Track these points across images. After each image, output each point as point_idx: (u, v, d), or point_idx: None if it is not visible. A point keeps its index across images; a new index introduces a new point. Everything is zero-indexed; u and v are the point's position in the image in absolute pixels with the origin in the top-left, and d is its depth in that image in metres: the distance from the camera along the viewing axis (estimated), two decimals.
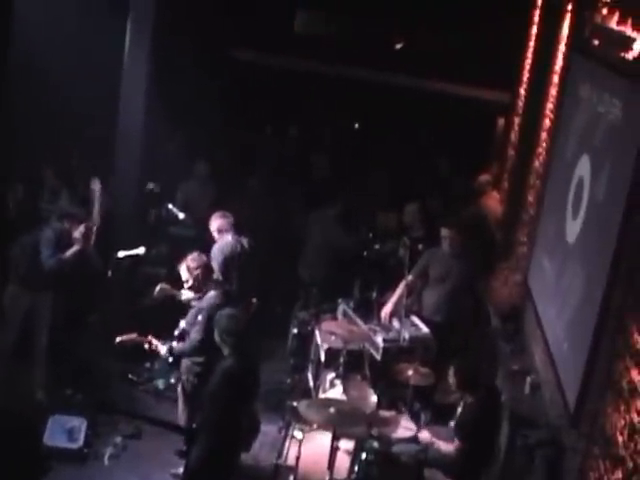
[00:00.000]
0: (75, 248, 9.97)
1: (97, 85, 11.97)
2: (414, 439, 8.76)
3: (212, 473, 7.75)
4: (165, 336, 8.98)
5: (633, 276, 6.45)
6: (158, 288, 9.78)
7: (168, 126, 12.88)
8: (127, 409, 8.50)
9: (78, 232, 10.03)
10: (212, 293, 9.05)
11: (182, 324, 9.09)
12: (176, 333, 9.08)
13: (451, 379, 8.56)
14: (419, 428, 8.84)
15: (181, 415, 9.25)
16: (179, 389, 9.31)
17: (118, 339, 8.84)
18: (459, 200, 14.68)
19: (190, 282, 9.12)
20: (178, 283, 9.70)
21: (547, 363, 9.03)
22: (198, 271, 9.06)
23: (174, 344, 8.90)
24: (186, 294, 9.75)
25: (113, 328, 10.53)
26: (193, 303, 9.20)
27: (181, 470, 8.32)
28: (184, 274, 9.14)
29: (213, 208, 10.68)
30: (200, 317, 8.79)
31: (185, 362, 8.98)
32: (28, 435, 9.03)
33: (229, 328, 7.79)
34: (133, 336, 8.80)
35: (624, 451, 5.87)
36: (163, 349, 8.77)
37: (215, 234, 10.45)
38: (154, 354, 8.98)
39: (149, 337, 8.81)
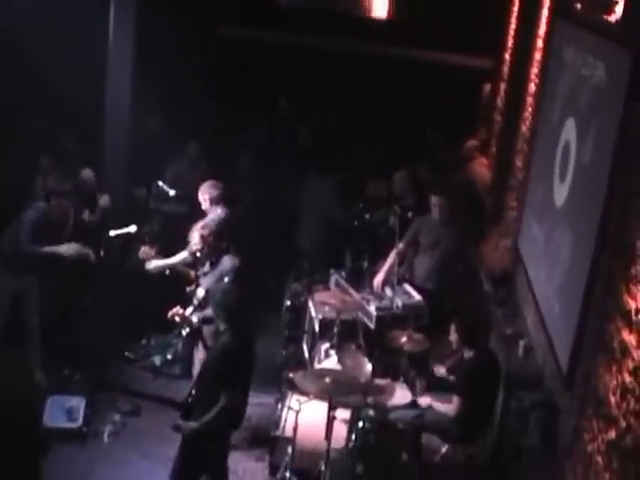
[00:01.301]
0: (56, 252, 9.93)
1: (82, 66, 11.92)
2: (411, 405, 8.87)
3: (208, 447, 7.80)
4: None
5: (621, 237, 6.49)
6: (142, 250, 9.91)
7: (156, 105, 12.86)
8: (123, 386, 8.51)
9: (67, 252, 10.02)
10: (227, 257, 9.22)
11: (200, 292, 9.17)
12: (195, 302, 9.16)
13: (453, 336, 8.72)
14: (418, 393, 8.95)
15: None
16: (200, 356, 9.30)
17: (170, 314, 8.88)
18: (448, 167, 14.71)
19: (205, 249, 9.25)
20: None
21: (539, 326, 9.09)
22: (211, 238, 9.20)
23: (204, 312, 8.98)
24: (153, 264, 9.96)
25: (108, 306, 10.64)
26: (205, 269, 9.32)
27: None
28: (197, 243, 9.26)
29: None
30: (227, 279, 8.92)
31: (207, 329, 9.06)
32: (28, 416, 9.07)
33: (223, 302, 7.81)
34: (177, 309, 8.86)
35: (617, 411, 5.93)
36: (194, 318, 8.85)
37: (205, 203, 10.48)
38: (185, 323, 8.99)
39: (179, 309, 8.89)
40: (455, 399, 8.51)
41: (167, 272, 10.05)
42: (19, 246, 9.70)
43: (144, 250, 9.94)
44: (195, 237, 9.29)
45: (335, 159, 13.93)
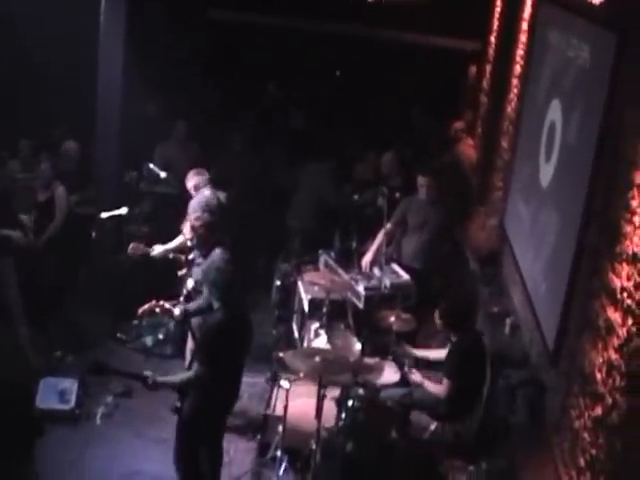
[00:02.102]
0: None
1: (74, 50, 11.92)
2: (400, 383, 8.96)
3: (206, 425, 7.83)
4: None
5: (606, 216, 6.58)
6: (131, 246, 9.90)
7: (147, 88, 12.85)
8: (118, 369, 8.44)
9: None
10: (218, 251, 9.16)
11: (189, 284, 9.18)
12: (184, 293, 9.18)
13: (437, 321, 8.78)
14: (409, 369, 9.04)
15: None
16: (190, 347, 9.32)
17: (140, 310, 8.75)
18: (435, 148, 14.77)
19: (195, 240, 9.24)
20: (153, 241, 10.03)
21: (526, 305, 9.18)
22: (202, 229, 9.16)
23: (187, 305, 8.96)
24: (157, 249, 9.94)
25: (100, 288, 10.66)
26: (198, 260, 9.29)
27: None
28: (188, 233, 9.25)
29: (194, 166, 10.74)
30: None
31: (195, 320, 9.04)
32: (21, 399, 9.08)
33: (217, 281, 7.78)
34: (153, 304, 8.85)
35: (603, 388, 6.02)
36: (176, 311, 8.82)
37: (192, 191, 10.51)
38: (167, 317, 9.04)
39: (161, 302, 8.87)
40: (444, 381, 8.61)
41: (171, 256, 10.03)
42: None
43: (133, 246, 9.90)
44: (187, 227, 9.29)
45: (326, 141, 13.99)
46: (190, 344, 9.28)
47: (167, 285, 9.27)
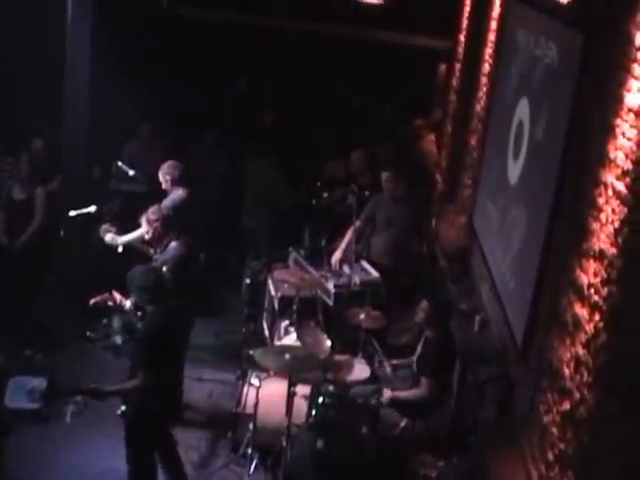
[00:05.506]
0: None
1: (40, 49, 11.88)
2: (370, 380, 8.98)
3: (152, 427, 7.70)
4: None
5: (574, 213, 6.64)
6: (102, 227, 9.87)
7: (116, 86, 12.80)
8: (70, 388, 8.29)
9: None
10: (174, 244, 9.15)
11: None
12: None
13: (421, 313, 8.66)
14: (381, 387, 8.96)
15: None
16: None
17: (92, 301, 8.75)
18: (403, 145, 14.82)
19: (150, 234, 9.22)
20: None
21: (494, 301, 9.24)
22: (157, 223, 9.12)
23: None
24: (119, 239, 9.87)
25: (69, 287, 10.61)
26: (156, 257, 9.29)
27: None
28: (144, 226, 9.23)
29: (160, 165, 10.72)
30: (165, 269, 8.93)
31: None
32: None
33: (143, 285, 7.61)
34: (105, 296, 8.81)
35: (571, 383, 6.06)
36: (128, 303, 8.82)
37: (166, 184, 10.44)
38: (120, 309, 9.00)
39: (113, 293, 8.85)
40: (424, 381, 8.55)
41: (119, 249, 9.96)
42: None
43: (104, 228, 9.90)
44: (144, 221, 9.27)
45: (297, 139, 14.00)
46: None
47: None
